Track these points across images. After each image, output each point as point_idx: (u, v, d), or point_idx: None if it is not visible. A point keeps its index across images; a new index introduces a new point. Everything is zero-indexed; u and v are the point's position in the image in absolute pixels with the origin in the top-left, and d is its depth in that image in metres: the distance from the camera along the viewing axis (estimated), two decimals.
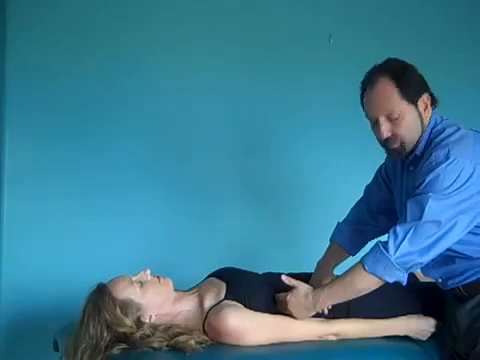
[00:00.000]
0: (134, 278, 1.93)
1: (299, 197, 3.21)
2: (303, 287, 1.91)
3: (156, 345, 1.78)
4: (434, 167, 1.77)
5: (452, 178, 1.74)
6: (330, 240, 2.29)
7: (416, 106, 1.87)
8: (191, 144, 3.09)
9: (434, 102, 1.92)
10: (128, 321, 1.82)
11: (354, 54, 3.19)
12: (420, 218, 1.74)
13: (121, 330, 1.80)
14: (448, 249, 1.80)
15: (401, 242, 1.75)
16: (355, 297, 1.84)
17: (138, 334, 1.80)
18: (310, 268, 2.24)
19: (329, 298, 1.86)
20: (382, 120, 1.87)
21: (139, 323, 1.84)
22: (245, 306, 1.89)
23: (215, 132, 3.12)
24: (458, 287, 1.90)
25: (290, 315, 1.90)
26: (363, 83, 1.95)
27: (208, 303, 1.92)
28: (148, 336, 1.80)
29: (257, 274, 2.14)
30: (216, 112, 3.13)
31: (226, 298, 1.92)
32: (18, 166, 2.80)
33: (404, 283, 1.80)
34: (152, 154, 3.03)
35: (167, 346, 1.79)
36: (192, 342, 1.77)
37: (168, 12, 3.09)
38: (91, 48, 2.94)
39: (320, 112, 3.25)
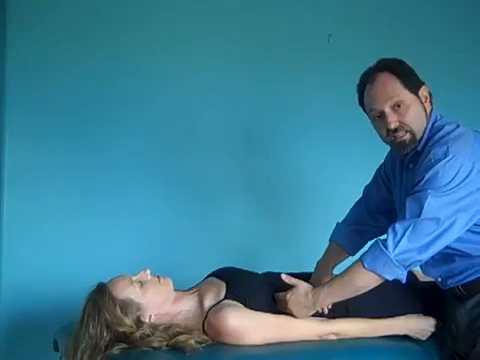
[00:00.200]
0: (134, 278, 1.93)
1: (299, 197, 3.21)
2: (303, 286, 1.91)
3: (156, 345, 1.78)
4: (433, 164, 1.77)
5: (451, 175, 1.75)
6: (329, 240, 2.29)
7: (418, 97, 1.89)
8: (191, 144, 3.09)
9: (431, 97, 1.94)
10: (128, 321, 1.82)
11: (354, 54, 3.19)
12: (419, 215, 1.75)
13: (121, 330, 1.80)
14: (447, 247, 1.80)
15: (400, 239, 1.75)
16: (355, 295, 1.84)
17: (138, 334, 1.80)
18: (310, 268, 2.24)
19: (329, 296, 1.86)
20: (388, 111, 1.87)
21: (139, 323, 1.84)
22: (245, 306, 1.90)
23: (215, 132, 3.12)
24: (458, 286, 1.90)
25: (290, 314, 1.90)
26: (360, 85, 1.97)
27: (208, 303, 1.92)
28: (148, 336, 1.80)
29: (257, 274, 2.14)
30: (216, 112, 3.12)
31: (226, 298, 1.92)
32: (18, 166, 2.80)
33: (403, 281, 1.80)
34: (152, 154, 3.03)
35: (167, 346, 1.79)
36: (192, 342, 1.77)
37: (168, 12, 3.09)
38: (91, 48, 2.94)
39: (320, 112, 3.25)
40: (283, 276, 1.95)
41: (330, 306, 1.92)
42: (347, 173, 3.18)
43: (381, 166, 2.22)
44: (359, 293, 1.84)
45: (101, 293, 1.85)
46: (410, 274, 1.87)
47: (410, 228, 1.75)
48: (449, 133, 1.84)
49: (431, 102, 1.94)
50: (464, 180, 1.75)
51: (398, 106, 1.87)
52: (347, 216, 2.30)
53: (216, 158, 3.12)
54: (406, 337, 1.98)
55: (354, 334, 1.93)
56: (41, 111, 2.86)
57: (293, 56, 3.24)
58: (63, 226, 2.84)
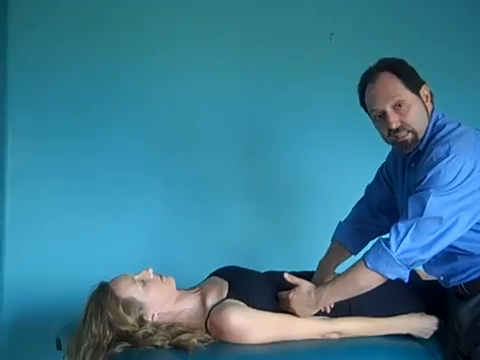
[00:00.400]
0: (136, 277, 1.93)
1: (300, 196, 3.21)
2: (305, 285, 1.91)
3: (158, 343, 1.78)
4: (435, 163, 1.78)
5: (453, 174, 1.75)
6: (331, 239, 2.29)
7: (419, 96, 1.89)
8: (191, 143, 3.09)
9: (432, 96, 1.94)
10: (130, 320, 1.82)
11: (355, 53, 3.19)
12: (421, 214, 1.75)
13: (123, 329, 1.80)
14: (450, 246, 1.80)
15: (403, 239, 1.75)
16: (357, 294, 1.85)
17: (140, 333, 1.80)
18: (311, 267, 2.24)
19: (331, 295, 1.86)
20: (389, 111, 1.87)
21: (141, 322, 1.84)
22: (247, 305, 1.89)
23: (215, 131, 3.12)
24: (460, 285, 1.90)
25: (293, 313, 1.90)
26: (361, 84, 1.97)
27: (210, 302, 1.92)
28: (150, 335, 1.80)
29: (259, 273, 2.13)
30: (216, 111, 3.12)
31: (228, 297, 1.92)
32: (20, 165, 2.80)
33: (406, 280, 1.80)
34: (153, 154, 3.03)
35: (169, 345, 1.79)
36: (194, 340, 1.76)
37: (168, 12, 3.09)
38: (91, 48, 2.94)
39: (320, 111, 3.25)
40: (286, 275, 1.95)
41: (332, 305, 1.91)
42: (347, 173, 3.18)
43: (383, 165, 2.22)
44: (361, 292, 1.84)
45: (103, 292, 1.85)
46: (412, 273, 1.87)
47: (413, 227, 1.75)
48: (451, 132, 1.85)
49: (432, 101, 1.94)
50: (466, 179, 1.75)
51: (399, 106, 1.87)
52: (349, 215, 2.30)
53: (216, 158, 3.12)
54: (409, 336, 1.98)
55: (357, 333, 1.93)
56: (42, 110, 2.87)
57: (294, 55, 3.24)
58: (65, 226, 2.84)
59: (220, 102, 3.14)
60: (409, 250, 1.75)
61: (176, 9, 3.11)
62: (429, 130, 1.90)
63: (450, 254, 1.87)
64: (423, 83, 1.92)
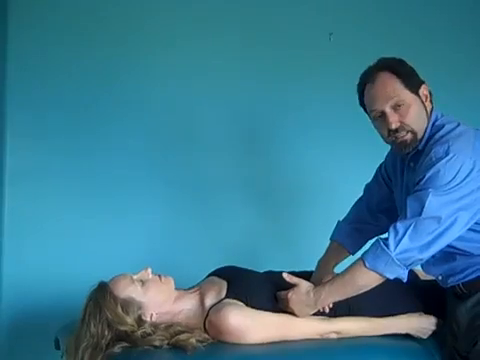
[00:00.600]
0: (135, 277, 1.93)
1: (299, 196, 3.21)
2: (304, 285, 1.91)
3: (157, 343, 1.78)
4: (434, 163, 1.78)
5: (452, 174, 1.75)
6: (330, 239, 2.29)
7: (419, 96, 1.89)
8: (191, 143, 3.09)
9: (431, 96, 1.94)
10: (129, 319, 1.82)
11: (355, 53, 3.18)
12: (420, 214, 1.75)
13: (122, 328, 1.80)
14: (448, 246, 1.80)
15: (401, 238, 1.75)
16: (356, 294, 1.84)
17: (139, 332, 1.80)
18: (310, 267, 2.24)
19: (330, 295, 1.86)
20: (389, 111, 1.87)
21: (140, 321, 1.84)
22: (246, 304, 1.89)
23: (215, 131, 3.12)
24: (458, 285, 1.90)
25: (291, 313, 1.90)
26: (360, 84, 1.97)
27: (209, 302, 1.92)
28: (149, 334, 1.80)
29: (258, 272, 2.13)
30: (216, 111, 3.13)
31: (227, 297, 1.92)
32: (20, 165, 2.80)
33: (405, 280, 1.80)
34: (153, 153, 3.03)
35: (168, 344, 1.79)
36: (193, 340, 1.76)
37: (168, 12, 3.09)
38: (91, 48, 2.94)
39: (320, 111, 3.25)
40: (284, 275, 1.95)
41: (331, 305, 1.91)
42: (347, 173, 3.18)
43: (382, 164, 2.22)
44: (360, 292, 1.84)
45: (102, 292, 1.85)
46: (411, 273, 1.87)
47: (411, 227, 1.75)
48: (450, 132, 1.85)
49: (431, 101, 1.94)
50: (465, 179, 1.75)
51: (399, 106, 1.87)
52: (348, 214, 2.30)
53: (216, 158, 3.12)
54: (407, 336, 1.98)
55: (355, 333, 1.93)
56: (42, 111, 2.87)
57: (293, 55, 3.24)
58: (64, 226, 2.84)
59: (220, 102, 3.14)
60: (408, 250, 1.75)
61: (176, 9, 3.11)
62: (428, 130, 1.90)
63: (449, 254, 1.87)
64: (422, 83, 1.92)
